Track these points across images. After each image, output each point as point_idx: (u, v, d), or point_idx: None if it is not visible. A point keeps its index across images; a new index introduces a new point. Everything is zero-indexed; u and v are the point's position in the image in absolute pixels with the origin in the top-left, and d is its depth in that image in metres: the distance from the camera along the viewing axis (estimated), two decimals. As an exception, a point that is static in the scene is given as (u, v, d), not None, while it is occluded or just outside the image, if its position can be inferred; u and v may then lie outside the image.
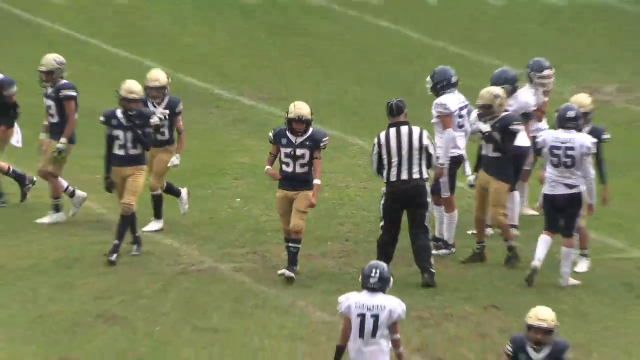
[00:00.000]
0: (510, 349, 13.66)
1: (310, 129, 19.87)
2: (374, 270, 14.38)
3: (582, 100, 19.57)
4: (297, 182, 19.61)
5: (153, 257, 20.80)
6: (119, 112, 19.87)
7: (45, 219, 22.09)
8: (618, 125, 24.36)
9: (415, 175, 19.54)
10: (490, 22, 36.31)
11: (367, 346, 14.50)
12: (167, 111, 20.99)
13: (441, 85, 21.03)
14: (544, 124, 21.94)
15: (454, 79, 21.26)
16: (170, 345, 17.60)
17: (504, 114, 19.67)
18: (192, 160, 25.69)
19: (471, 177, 20.25)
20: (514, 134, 19.60)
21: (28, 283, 19.74)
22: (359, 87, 30.72)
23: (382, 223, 19.94)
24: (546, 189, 19.42)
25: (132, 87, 20.04)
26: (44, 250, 20.97)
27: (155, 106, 21.11)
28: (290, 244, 19.71)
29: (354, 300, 14.40)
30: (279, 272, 19.56)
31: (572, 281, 19.23)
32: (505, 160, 19.92)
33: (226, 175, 25.22)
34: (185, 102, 30.95)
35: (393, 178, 19.65)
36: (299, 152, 19.62)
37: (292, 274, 19.49)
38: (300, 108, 19.97)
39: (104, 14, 36.06)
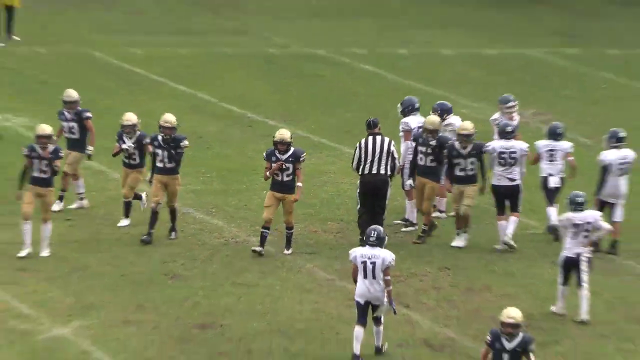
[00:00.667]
0: (489, 338, 13.43)
1: (292, 149, 19.85)
2: (373, 232, 15.22)
3: (466, 125, 20.21)
4: (284, 187, 19.62)
5: (204, 232, 20.87)
6: (159, 136, 19.82)
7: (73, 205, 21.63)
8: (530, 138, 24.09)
9: (382, 171, 19.72)
10: (445, 66, 36.48)
11: (371, 285, 15.23)
12: (133, 144, 20.62)
13: (407, 110, 21.44)
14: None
15: (416, 105, 21.61)
16: (216, 295, 17.79)
17: (439, 134, 20.35)
18: (232, 162, 25.77)
19: (410, 182, 20.54)
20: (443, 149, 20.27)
21: (116, 251, 19.76)
22: (350, 113, 30.64)
23: (358, 207, 20.17)
24: (494, 182, 19.94)
25: (168, 118, 19.98)
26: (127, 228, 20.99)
27: (127, 140, 20.78)
28: (287, 231, 19.75)
29: (360, 252, 15.24)
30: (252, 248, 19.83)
31: (511, 242, 19.93)
32: (439, 167, 20.19)
33: (256, 174, 25.05)
34: (228, 123, 30.92)
35: (366, 171, 19.83)
36: (284, 165, 19.66)
37: (260, 249, 19.65)
38: (282, 133, 20.04)
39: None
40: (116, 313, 17.13)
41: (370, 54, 37.56)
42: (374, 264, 15.29)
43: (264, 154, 19.77)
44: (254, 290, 17.96)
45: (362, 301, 15.30)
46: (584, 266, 17.08)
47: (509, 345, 13.27)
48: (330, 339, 16.17)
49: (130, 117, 20.82)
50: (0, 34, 36.90)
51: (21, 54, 36.33)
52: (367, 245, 15.30)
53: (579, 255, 17.07)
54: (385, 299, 15.30)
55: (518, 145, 19.96)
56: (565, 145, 20.60)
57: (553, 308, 17.40)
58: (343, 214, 22.32)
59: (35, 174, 19.07)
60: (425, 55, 37.85)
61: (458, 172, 19.85)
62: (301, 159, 19.68)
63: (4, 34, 36.69)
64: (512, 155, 19.81)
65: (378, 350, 15.84)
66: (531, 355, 13.26)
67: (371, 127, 19.97)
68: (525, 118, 28.24)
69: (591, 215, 17.31)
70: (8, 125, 29.19)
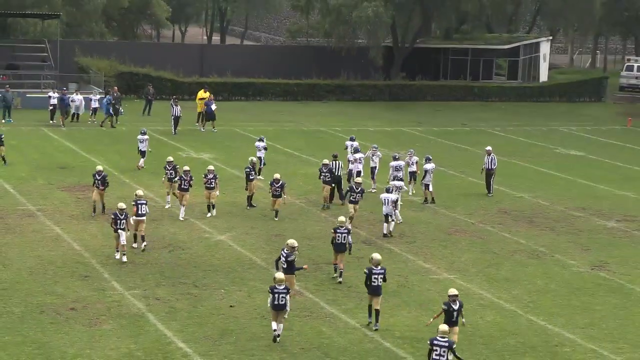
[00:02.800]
0: (444, 306, 21.90)
1: (281, 181, 33.10)
2: (392, 188, 30.02)
3: None
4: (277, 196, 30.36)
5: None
6: None
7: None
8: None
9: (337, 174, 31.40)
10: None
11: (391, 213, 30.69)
12: None
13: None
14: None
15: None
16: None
17: None
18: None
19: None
20: None
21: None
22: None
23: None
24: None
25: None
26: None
27: None
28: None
29: (383, 195, 28.47)
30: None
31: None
32: None
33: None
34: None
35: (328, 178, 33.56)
36: (277, 192, 32.73)
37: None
38: (276, 175, 33.44)
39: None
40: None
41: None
42: (390, 200, 31.08)
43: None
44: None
45: None
46: None
47: (455, 307, 21.76)
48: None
49: None
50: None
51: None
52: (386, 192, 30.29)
53: None
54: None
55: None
56: None
57: None
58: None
59: None
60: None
61: None
62: (285, 187, 33.92)
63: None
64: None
65: None
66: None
67: (334, 156, 29.54)
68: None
69: None
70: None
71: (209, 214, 33.57)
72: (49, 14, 64.61)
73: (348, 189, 32.86)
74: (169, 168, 34.46)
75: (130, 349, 21.99)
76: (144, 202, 29.89)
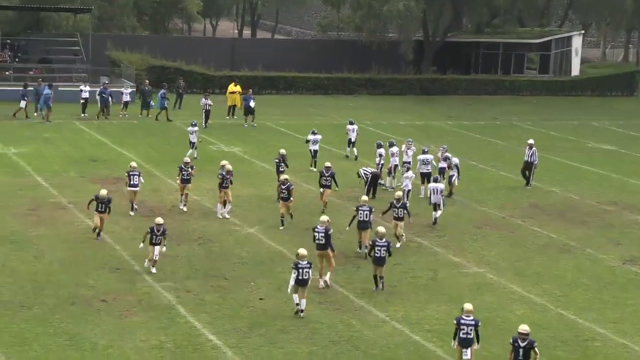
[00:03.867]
0: (511, 341, 19.86)
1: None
2: (439, 178, 31.96)
3: None
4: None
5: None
6: None
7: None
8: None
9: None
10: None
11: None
12: None
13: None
14: None
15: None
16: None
17: None
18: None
19: None
20: None
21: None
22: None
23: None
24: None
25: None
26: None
27: None
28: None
29: (431, 185, 31.07)
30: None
31: None
32: None
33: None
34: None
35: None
36: (285, 191, 31.37)
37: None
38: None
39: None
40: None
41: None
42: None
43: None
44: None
45: None
46: None
47: (522, 344, 19.63)
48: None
49: None
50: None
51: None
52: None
53: None
54: None
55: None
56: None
57: None
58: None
59: None
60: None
61: None
62: (291, 188, 32.17)
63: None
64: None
65: None
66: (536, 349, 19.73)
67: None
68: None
69: None
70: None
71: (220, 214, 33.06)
72: (81, 8, 64.90)
73: (389, 204, 30.29)
74: (186, 169, 33.21)
75: (160, 341, 22.07)
76: (137, 173, 32.65)
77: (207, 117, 50.00)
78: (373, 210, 29.52)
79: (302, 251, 24.05)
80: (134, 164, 33.40)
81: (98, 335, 22.24)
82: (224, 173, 32.42)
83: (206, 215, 32.87)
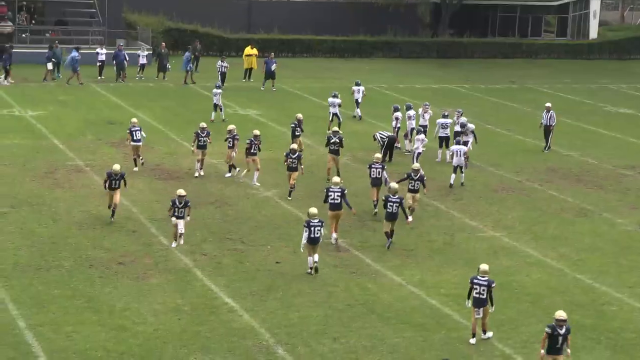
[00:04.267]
0: (548, 329, 18.68)
1: (298, 152, 30.89)
2: (461, 140, 31.27)
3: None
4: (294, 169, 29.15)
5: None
6: None
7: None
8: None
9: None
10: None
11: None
12: None
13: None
14: None
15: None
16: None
17: None
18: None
19: None
20: None
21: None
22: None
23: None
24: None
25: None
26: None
27: None
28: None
29: (454, 147, 31.73)
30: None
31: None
32: None
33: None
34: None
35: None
36: (293, 164, 30.63)
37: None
38: (292, 146, 31.53)
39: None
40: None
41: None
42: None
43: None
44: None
45: None
46: None
47: (561, 331, 18.57)
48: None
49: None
50: None
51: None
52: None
53: None
54: None
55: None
56: None
57: None
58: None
59: None
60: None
61: None
62: (301, 157, 31.57)
63: None
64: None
65: None
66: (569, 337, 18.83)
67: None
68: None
69: None
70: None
71: (228, 174, 33.29)
72: (97, -31, 64.76)
73: (406, 175, 29.28)
74: (203, 135, 32.79)
75: (177, 304, 22.20)
76: (139, 128, 33.61)
77: (222, 80, 49.97)
78: (385, 168, 29.96)
79: (313, 210, 24.47)
80: (134, 120, 34.34)
81: (115, 298, 22.40)
82: (252, 139, 32.19)
83: (222, 178, 32.92)
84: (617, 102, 53.12)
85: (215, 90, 42.08)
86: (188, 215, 26.10)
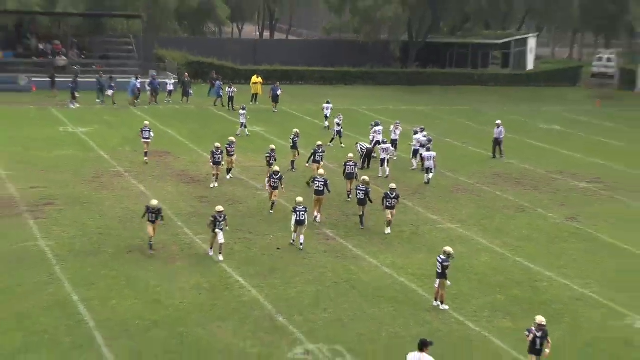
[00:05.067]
0: (527, 332, 17.48)
1: (280, 174, 28.58)
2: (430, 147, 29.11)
3: None
4: (275, 188, 28.42)
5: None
6: None
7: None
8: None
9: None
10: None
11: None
12: None
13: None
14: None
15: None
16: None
17: None
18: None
19: None
20: None
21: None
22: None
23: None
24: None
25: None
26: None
27: None
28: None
29: (425, 154, 30.38)
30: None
31: None
32: None
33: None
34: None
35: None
36: (275, 184, 28.45)
37: None
38: (275, 168, 28.83)
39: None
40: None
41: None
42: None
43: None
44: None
45: None
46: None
47: (538, 333, 17.28)
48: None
49: None
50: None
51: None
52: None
53: None
54: None
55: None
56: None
57: None
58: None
59: None
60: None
61: None
62: (282, 179, 28.84)
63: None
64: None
65: None
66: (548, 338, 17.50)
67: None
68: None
69: None
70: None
71: (229, 176, 33.22)
72: (133, 14, 64.69)
73: (384, 194, 27.24)
74: (217, 153, 31.55)
75: (199, 282, 22.29)
76: (148, 129, 35.81)
77: (231, 102, 50.19)
78: (357, 165, 31.67)
79: (299, 199, 25.38)
80: (146, 122, 36.67)
81: (150, 277, 22.46)
82: (269, 152, 31.97)
83: (234, 182, 32.97)
84: (550, 121, 53.25)
85: (241, 111, 42.71)
86: (227, 226, 24.51)
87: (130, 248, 24.73)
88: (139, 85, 50.71)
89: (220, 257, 23.98)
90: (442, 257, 21.03)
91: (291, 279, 22.81)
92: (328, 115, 45.46)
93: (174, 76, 56.64)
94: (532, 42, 77.00)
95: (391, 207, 26.98)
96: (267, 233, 26.75)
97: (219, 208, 24.42)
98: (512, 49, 74.99)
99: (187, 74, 54.82)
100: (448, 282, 21.18)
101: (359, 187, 27.52)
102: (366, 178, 28.13)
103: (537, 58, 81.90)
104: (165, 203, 29.43)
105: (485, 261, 25.09)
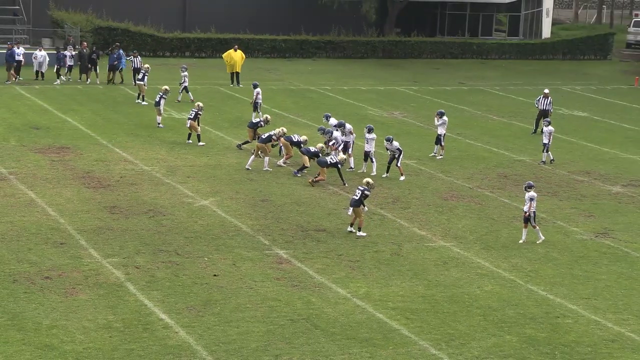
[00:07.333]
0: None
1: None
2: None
3: None
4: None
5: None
6: None
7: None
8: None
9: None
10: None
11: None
12: None
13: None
14: None
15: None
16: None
17: None
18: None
19: None
20: None
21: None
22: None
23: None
24: None
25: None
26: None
27: None
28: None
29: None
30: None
31: None
32: None
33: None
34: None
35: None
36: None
37: None
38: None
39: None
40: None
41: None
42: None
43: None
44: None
45: None
46: None
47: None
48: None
49: None
50: None
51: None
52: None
53: None
54: None
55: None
56: None
57: None
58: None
59: None
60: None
61: None
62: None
63: None
64: None
65: None
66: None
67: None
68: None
69: None
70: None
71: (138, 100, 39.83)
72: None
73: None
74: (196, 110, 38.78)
75: (108, 320, 22.07)
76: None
77: (135, 74, 50.41)
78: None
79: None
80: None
81: (42, 315, 22.20)
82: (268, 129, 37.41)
83: (157, 186, 32.79)
84: (570, 104, 53.70)
85: (183, 73, 47.58)
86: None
87: (16, 275, 24.43)
88: (20, 57, 50.13)
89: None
90: (362, 187, 27.85)
91: (232, 316, 22.68)
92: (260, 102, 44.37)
93: (76, 46, 56.19)
94: (548, 2, 77.65)
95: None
96: (199, 254, 26.60)
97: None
98: (522, 11, 75.56)
99: (85, 43, 54.26)
100: (365, 208, 27.40)
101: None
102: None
103: (556, 23, 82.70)
104: (64, 215, 29.15)
105: (490, 290, 25.12)
